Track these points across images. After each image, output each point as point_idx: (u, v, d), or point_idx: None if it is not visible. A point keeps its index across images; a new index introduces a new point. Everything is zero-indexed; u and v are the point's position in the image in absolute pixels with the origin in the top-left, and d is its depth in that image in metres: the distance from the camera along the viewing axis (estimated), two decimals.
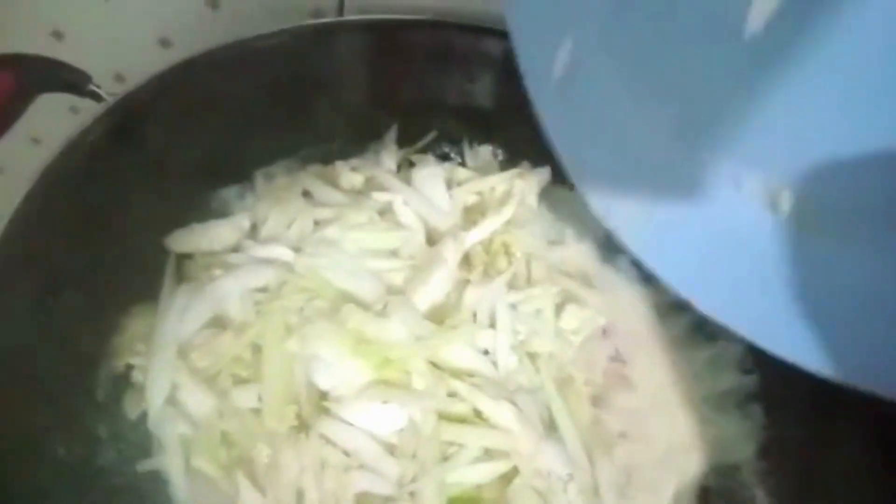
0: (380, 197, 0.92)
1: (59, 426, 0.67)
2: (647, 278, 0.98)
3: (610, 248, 1.01)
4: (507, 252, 0.94)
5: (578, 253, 1.01)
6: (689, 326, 0.95)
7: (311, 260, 0.83)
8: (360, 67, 0.96)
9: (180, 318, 0.79)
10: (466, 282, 0.87)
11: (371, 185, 0.95)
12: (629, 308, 0.98)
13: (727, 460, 0.84)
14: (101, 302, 0.76)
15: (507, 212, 0.93)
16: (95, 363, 0.74)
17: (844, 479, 0.74)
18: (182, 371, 0.77)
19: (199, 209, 0.88)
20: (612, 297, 0.98)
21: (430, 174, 0.95)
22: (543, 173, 0.97)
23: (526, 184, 0.96)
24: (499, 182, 0.95)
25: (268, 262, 0.84)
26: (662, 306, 0.97)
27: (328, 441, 0.75)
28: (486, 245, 0.92)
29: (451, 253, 0.86)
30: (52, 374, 0.68)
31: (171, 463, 0.74)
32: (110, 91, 0.77)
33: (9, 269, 0.65)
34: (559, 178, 0.98)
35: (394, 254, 0.87)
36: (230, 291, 0.81)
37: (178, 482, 0.73)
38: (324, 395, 0.78)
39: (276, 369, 0.77)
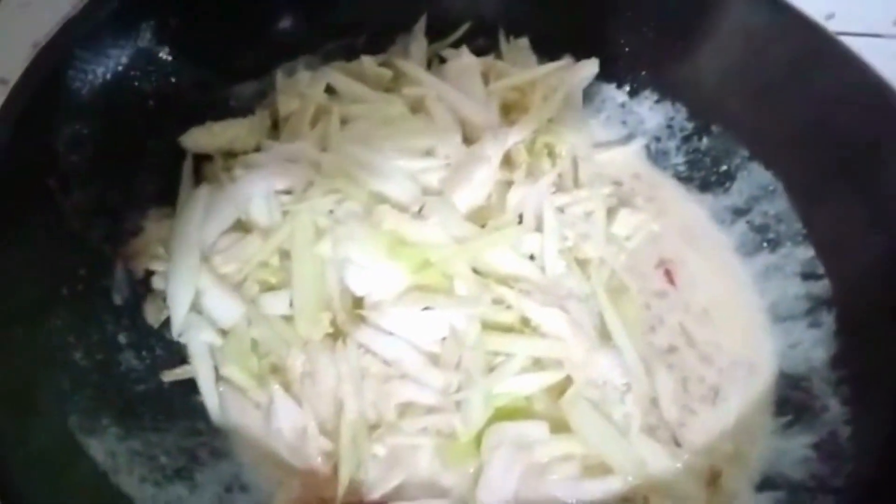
0: (411, 92, 0.84)
1: (76, 330, 0.61)
2: (704, 184, 0.91)
3: (660, 150, 0.94)
4: (551, 153, 0.86)
5: (627, 155, 0.93)
6: (746, 233, 0.88)
7: (339, 158, 0.76)
8: None
9: (202, 220, 0.73)
10: (509, 183, 0.80)
11: (400, 81, 0.87)
12: (682, 214, 0.91)
13: (796, 371, 0.78)
14: (115, 202, 0.70)
15: (552, 107, 0.85)
16: (112, 265, 0.68)
17: None
18: (206, 277, 0.71)
19: (217, 107, 0.80)
20: (664, 202, 0.91)
21: (466, 67, 0.86)
22: (590, 65, 0.88)
23: (571, 78, 0.88)
24: (541, 75, 0.86)
25: (292, 161, 0.77)
26: (718, 212, 0.90)
27: (367, 350, 0.70)
28: (529, 145, 0.84)
29: (492, 150, 0.79)
30: (66, 275, 0.62)
31: (198, 372, 0.69)
32: None
33: (13, 162, 0.58)
34: (606, 73, 0.91)
35: (429, 152, 0.79)
36: (254, 193, 0.74)
37: (208, 392, 0.68)
38: (359, 302, 0.72)
39: (306, 274, 0.71)
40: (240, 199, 0.74)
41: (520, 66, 0.90)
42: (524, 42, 0.92)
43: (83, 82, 0.66)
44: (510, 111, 0.87)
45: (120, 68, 0.69)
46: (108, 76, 0.68)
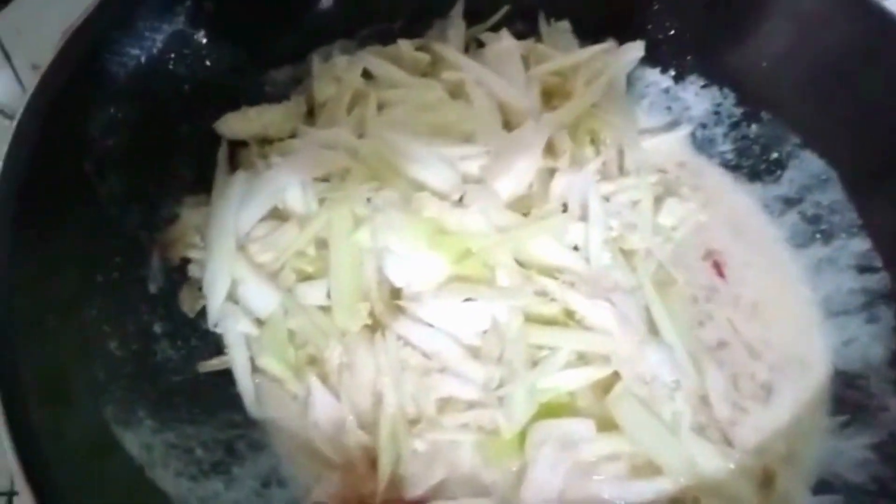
0: (450, 76, 0.81)
1: (111, 319, 0.60)
2: (753, 172, 0.87)
3: (706, 137, 0.90)
4: (595, 140, 0.83)
5: (672, 143, 0.90)
6: (797, 224, 0.84)
7: (377, 145, 0.73)
8: None
9: (238, 208, 0.71)
10: (552, 171, 0.77)
11: (439, 66, 0.84)
12: (730, 204, 0.87)
13: (852, 368, 0.74)
14: (150, 188, 0.68)
15: (596, 92, 0.81)
16: (147, 253, 0.66)
17: None
18: (242, 265, 0.69)
19: (252, 92, 0.78)
20: (711, 192, 0.87)
21: (506, 51, 0.83)
22: (636, 48, 0.84)
23: (615, 61, 0.84)
24: (585, 59, 0.83)
25: (329, 147, 0.75)
26: (768, 202, 0.86)
27: (406, 342, 0.68)
28: (572, 132, 0.81)
29: (534, 137, 0.76)
30: (101, 263, 0.61)
31: (235, 362, 0.67)
32: None
33: (47, 145, 0.56)
34: (650, 57, 0.87)
35: (468, 139, 0.77)
36: (290, 180, 0.72)
37: (244, 382, 0.66)
38: (398, 293, 0.70)
39: (344, 263, 0.69)
40: (276, 186, 0.72)
41: (561, 51, 0.86)
42: (565, 25, 0.89)
43: (118, 65, 0.64)
44: (552, 97, 0.84)
45: (155, 51, 0.68)
46: (143, 59, 0.67)
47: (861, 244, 0.78)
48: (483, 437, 0.66)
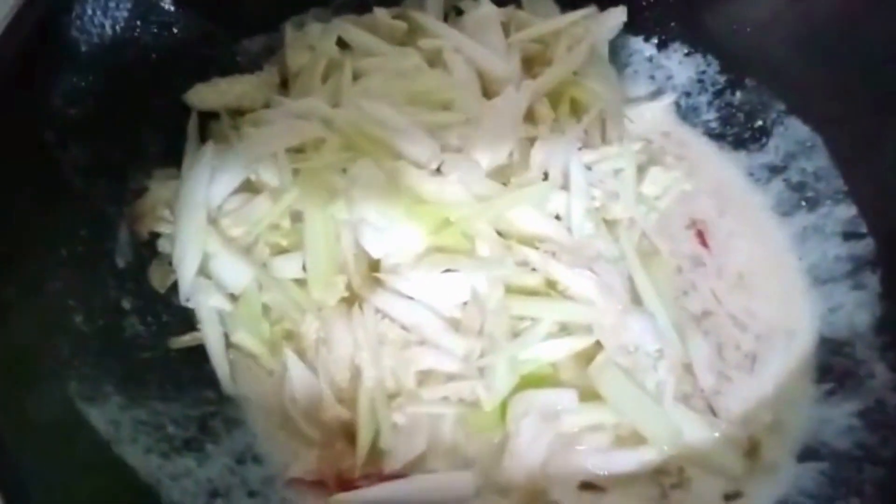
0: (427, 44, 0.79)
1: (76, 294, 0.58)
2: (738, 140, 0.86)
3: (690, 105, 0.88)
4: (576, 109, 0.81)
5: (655, 111, 0.88)
6: (782, 192, 0.83)
7: (352, 114, 0.71)
8: None
9: (208, 181, 0.69)
10: (532, 139, 0.75)
11: (416, 35, 0.81)
12: (715, 172, 0.86)
13: (838, 335, 0.74)
14: (116, 160, 0.66)
15: (577, 58, 0.79)
16: (114, 227, 0.64)
17: None
18: (214, 240, 0.67)
19: (223, 62, 0.76)
20: (696, 161, 0.86)
21: (485, 17, 0.81)
22: (618, 14, 0.83)
23: (597, 28, 0.82)
24: (566, 24, 0.81)
25: (303, 118, 0.72)
26: (752, 170, 0.85)
27: (385, 315, 0.66)
28: (553, 99, 0.79)
29: (514, 104, 0.74)
30: (65, 236, 0.59)
31: (208, 338, 0.65)
32: None
33: (2, 111, 0.54)
34: (632, 25, 0.85)
35: (446, 107, 0.75)
36: (262, 152, 0.70)
37: (218, 358, 0.65)
38: (376, 265, 0.68)
39: (319, 236, 0.67)
40: (248, 158, 0.70)
41: (541, 17, 0.84)
42: None
43: (79, 32, 0.61)
44: (532, 65, 0.82)
45: (120, 19, 0.65)
46: (107, 27, 0.64)
47: (846, 210, 0.77)
48: (464, 409, 0.65)
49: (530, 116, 0.77)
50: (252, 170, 0.70)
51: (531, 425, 0.63)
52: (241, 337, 0.65)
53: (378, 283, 0.67)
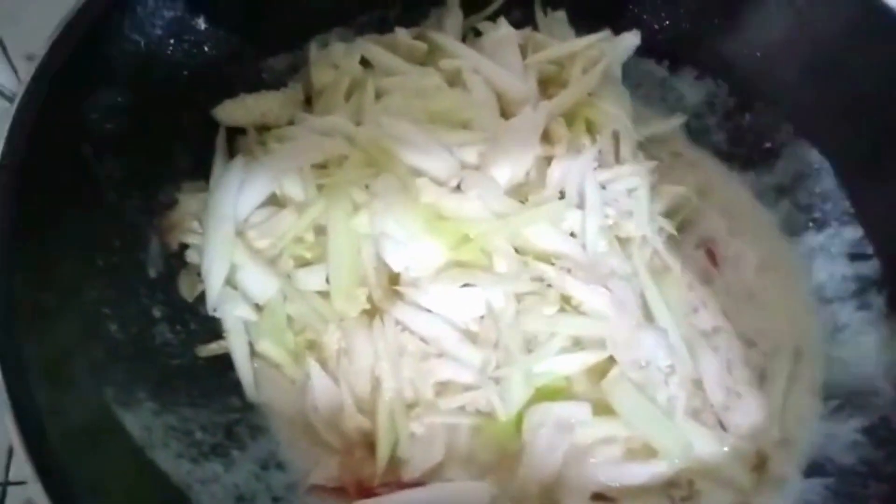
0: (447, 64, 0.81)
1: (111, 302, 0.60)
2: (747, 161, 0.88)
3: (700, 127, 0.91)
4: (591, 129, 0.83)
5: (666, 132, 0.90)
6: (790, 212, 0.85)
7: (375, 131, 0.74)
8: None
9: (236, 194, 0.71)
10: (548, 158, 0.77)
11: (436, 55, 0.84)
12: (724, 192, 0.88)
13: (845, 354, 0.75)
14: (149, 174, 0.68)
15: (592, 80, 0.82)
16: (146, 238, 0.67)
17: None
18: (240, 251, 0.69)
19: (249, 80, 0.78)
20: (706, 181, 0.88)
21: (503, 39, 0.84)
22: (632, 38, 0.85)
23: (612, 50, 0.85)
24: (582, 47, 0.83)
25: (327, 135, 0.75)
26: (761, 190, 0.87)
27: (404, 327, 0.68)
28: (569, 120, 0.81)
29: (532, 124, 0.76)
30: (101, 246, 0.61)
31: (234, 347, 0.67)
32: None
33: (46, 126, 0.56)
34: (645, 47, 0.88)
35: (466, 126, 0.77)
36: (288, 167, 0.72)
37: (243, 367, 0.67)
38: (396, 278, 0.70)
39: (342, 249, 0.69)
40: (274, 172, 0.72)
41: (557, 40, 0.87)
42: (561, 15, 0.89)
43: (117, 50, 0.64)
44: (548, 86, 0.85)
45: (154, 37, 0.68)
46: (143, 45, 0.67)
47: (853, 232, 0.79)
48: (480, 419, 0.67)
49: (547, 136, 0.79)
50: (278, 184, 0.73)
51: (546, 436, 0.65)
52: (266, 346, 0.67)
53: (398, 295, 0.69)
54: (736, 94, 0.88)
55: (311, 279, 0.69)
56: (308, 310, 0.68)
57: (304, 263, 0.71)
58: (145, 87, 0.67)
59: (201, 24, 0.71)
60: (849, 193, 0.80)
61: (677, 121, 0.90)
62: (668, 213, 0.82)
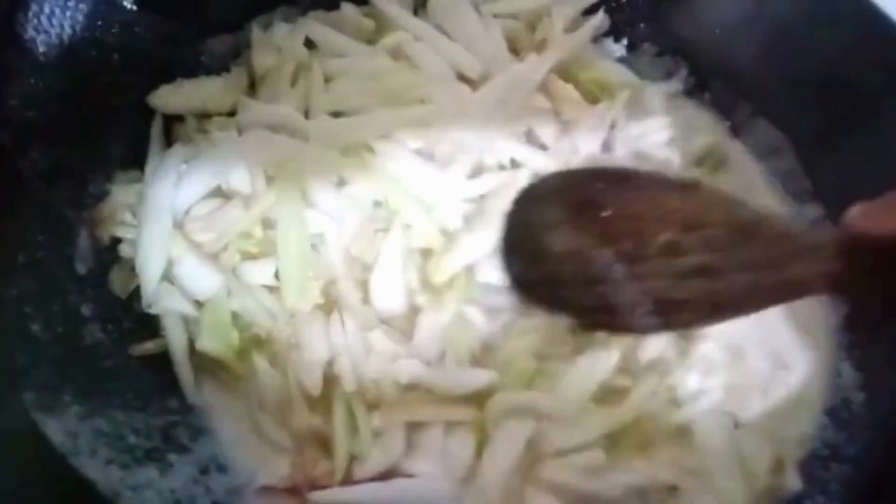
0: (390, 41, 0.77)
1: (34, 301, 0.56)
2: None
3: None
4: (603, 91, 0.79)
5: None
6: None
7: (326, 125, 0.70)
8: None
9: (175, 186, 0.67)
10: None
11: (384, 31, 0.80)
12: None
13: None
14: (77, 164, 0.64)
15: (581, 37, 0.79)
16: (75, 232, 0.63)
17: None
18: (179, 245, 0.66)
19: (187, 63, 0.74)
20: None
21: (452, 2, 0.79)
22: (601, 19, 0.82)
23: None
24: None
25: (274, 128, 0.71)
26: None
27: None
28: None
29: (500, 94, 0.72)
30: (23, 241, 0.57)
31: (172, 346, 0.64)
32: None
33: None
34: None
35: (424, 101, 0.73)
36: (234, 164, 0.68)
37: (182, 367, 0.63)
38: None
39: (293, 242, 0.66)
40: (219, 167, 0.69)
41: None
42: None
43: (36, 31, 0.60)
44: (520, 51, 0.80)
45: (79, 18, 0.64)
46: (66, 26, 0.63)
47: (813, 210, 0.78)
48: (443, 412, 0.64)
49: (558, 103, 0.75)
50: (222, 179, 0.69)
51: (511, 429, 0.62)
52: (207, 344, 0.63)
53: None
54: (695, 72, 0.86)
55: (258, 273, 0.66)
56: (255, 305, 0.64)
57: (250, 257, 0.67)
58: (71, 72, 0.63)
59: (130, 4, 0.67)
60: (808, 172, 0.79)
61: None
62: None
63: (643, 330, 0.48)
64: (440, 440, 0.63)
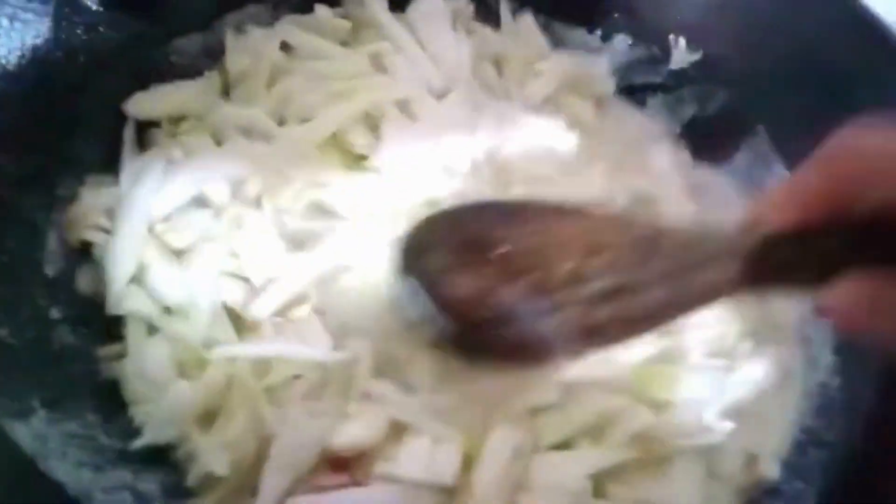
0: (371, 48, 0.78)
1: (1, 306, 0.55)
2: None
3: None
4: None
5: None
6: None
7: (302, 132, 0.71)
8: None
9: (150, 193, 0.67)
10: None
11: (360, 33, 0.80)
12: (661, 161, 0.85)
13: (782, 320, 0.74)
14: (46, 168, 0.64)
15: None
16: (43, 235, 0.62)
17: None
18: (151, 249, 0.65)
19: (157, 64, 0.74)
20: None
21: (431, 12, 0.80)
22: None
23: None
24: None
25: (249, 132, 0.71)
26: None
27: None
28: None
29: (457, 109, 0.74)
30: None
31: (140, 349, 0.63)
32: None
33: None
34: (576, 16, 0.85)
35: (401, 105, 0.74)
36: (213, 175, 0.68)
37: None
38: None
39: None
40: (198, 176, 0.68)
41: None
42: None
43: None
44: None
45: (43, 19, 0.63)
46: (29, 28, 0.62)
47: None
48: None
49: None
50: (200, 187, 0.69)
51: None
52: (175, 348, 0.63)
53: None
54: (671, 60, 0.86)
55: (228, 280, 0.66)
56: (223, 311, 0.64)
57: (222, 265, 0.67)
58: (36, 75, 0.62)
59: (94, 4, 0.66)
60: (783, 158, 0.79)
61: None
62: None
63: (570, 358, 0.48)
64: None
